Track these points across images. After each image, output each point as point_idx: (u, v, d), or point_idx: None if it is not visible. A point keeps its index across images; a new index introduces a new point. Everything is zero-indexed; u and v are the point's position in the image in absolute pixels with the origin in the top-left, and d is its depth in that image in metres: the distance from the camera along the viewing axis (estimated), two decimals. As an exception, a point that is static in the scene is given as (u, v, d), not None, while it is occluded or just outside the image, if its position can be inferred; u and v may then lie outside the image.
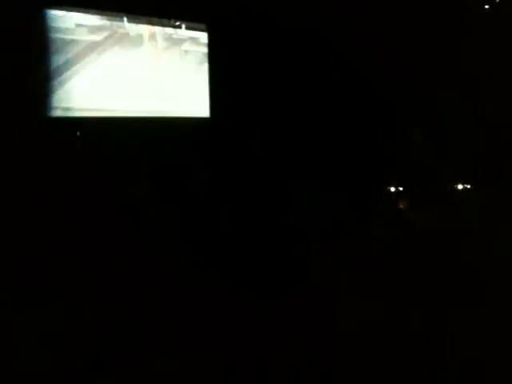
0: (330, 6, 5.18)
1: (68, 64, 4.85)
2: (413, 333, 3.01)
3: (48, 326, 2.89)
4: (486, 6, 4.20)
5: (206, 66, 5.78)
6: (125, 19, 5.23)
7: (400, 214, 4.36)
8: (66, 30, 4.83)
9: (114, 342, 2.91)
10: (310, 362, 2.82)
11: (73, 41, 4.87)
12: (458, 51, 4.46)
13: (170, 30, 5.54)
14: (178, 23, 5.61)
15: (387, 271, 3.63)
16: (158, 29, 5.45)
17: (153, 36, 5.43)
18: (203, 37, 5.76)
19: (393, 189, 4.92)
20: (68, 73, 4.86)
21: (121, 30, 5.19)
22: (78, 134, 4.82)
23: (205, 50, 5.77)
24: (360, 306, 3.25)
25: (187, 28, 5.68)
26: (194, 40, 5.72)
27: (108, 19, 5.11)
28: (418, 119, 4.82)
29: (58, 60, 4.79)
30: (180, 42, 5.62)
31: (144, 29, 5.36)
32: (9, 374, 2.54)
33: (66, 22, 4.83)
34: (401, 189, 4.81)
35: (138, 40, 5.33)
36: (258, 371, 2.80)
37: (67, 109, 4.85)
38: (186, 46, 5.67)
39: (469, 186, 4.67)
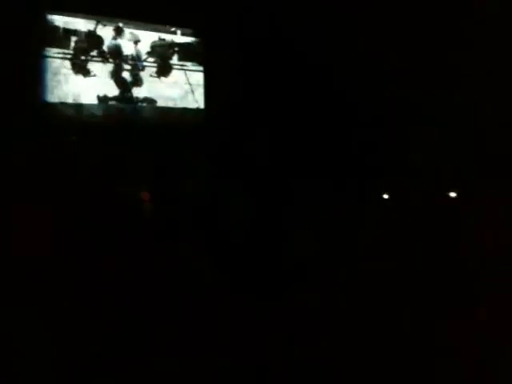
0: (329, 6, 5.23)
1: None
2: (412, 332, 3.02)
3: (48, 326, 2.88)
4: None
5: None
6: (121, 24, 5.27)
7: (395, 217, 4.37)
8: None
9: (114, 342, 2.89)
10: (309, 362, 2.82)
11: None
12: (457, 53, 4.52)
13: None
14: (173, 29, 5.64)
15: (386, 271, 3.64)
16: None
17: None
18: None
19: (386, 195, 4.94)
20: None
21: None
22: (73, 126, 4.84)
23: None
24: (360, 306, 3.26)
25: (183, 34, 5.71)
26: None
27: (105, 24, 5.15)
28: (415, 122, 4.86)
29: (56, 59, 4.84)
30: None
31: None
32: (9, 374, 2.52)
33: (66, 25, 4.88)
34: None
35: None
36: (258, 371, 2.80)
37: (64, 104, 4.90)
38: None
39: (463, 194, 4.70)
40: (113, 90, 5.25)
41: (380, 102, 5.04)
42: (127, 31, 5.33)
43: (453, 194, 4.59)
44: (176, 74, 5.72)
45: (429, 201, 4.34)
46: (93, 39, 5.10)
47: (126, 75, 5.35)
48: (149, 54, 5.50)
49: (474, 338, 2.88)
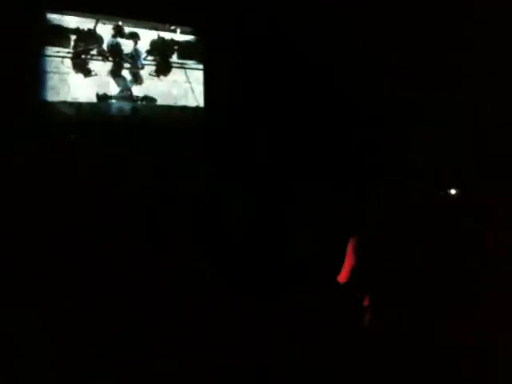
0: (328, 7, 5.23)
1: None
2: (412, 332, 3.02)
3: (48, 326, 2.87)
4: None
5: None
6: (120, 22, 5.26)
7: (395, 217, 4.36)
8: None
9: (114, 342, 2.89)
10: (309, 362, 2.82)
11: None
12: (457, 53, 4.52)
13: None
14: (173, 27, 5.63)
15: (386, 271, 3.63)
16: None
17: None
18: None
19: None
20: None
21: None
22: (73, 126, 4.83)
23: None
24: (360, 306, 3.25)
25: (182, 32, 5.71)
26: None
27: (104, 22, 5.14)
28: (414, 121, 4.86)
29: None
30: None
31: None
32: (9, 374, 2.52)
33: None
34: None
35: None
36: (258, 371, 2.80)
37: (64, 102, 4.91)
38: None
39: (462, 191, 4.70)
40: (113, 89, 5.25)
41: (380, 102, 5.05)
42: (127, 30, 5.32)
43: (453, 194, 4.59)
44: (176, 73, 5.71)
45: (429, 201, 4.33)
46: (92, 38, 5.10)
47: (125, 74, 5.35)
48: (149, 52, 5.50)
49: (474, 339, 2.88)
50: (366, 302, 3.09)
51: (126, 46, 5.35)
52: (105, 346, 2.85)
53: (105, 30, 5.19)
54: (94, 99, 5.13)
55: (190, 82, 5.80)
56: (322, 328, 3.11)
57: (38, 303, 3.02)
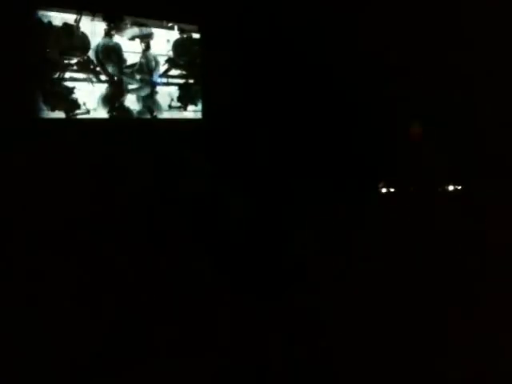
0: (328, 7, 5.23)
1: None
2: (412, 332, 3.02)
3: (49, 326, 2.87)
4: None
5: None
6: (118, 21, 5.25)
7: (395, 217, 4.38)
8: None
9: (114, 342, 2.89)
10: (309, 362, 2.82)
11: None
12: (457, 52, 4.53)
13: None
14: (170, 25, 5.62)
15: (384, 271, 3.64)
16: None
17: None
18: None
19: (384, 189, 4.93)
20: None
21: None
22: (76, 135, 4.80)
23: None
24: (360, 305, 3.26)
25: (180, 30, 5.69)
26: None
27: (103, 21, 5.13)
28: (414, 119, 4.85)
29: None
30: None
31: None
32: (9, 374, 2.52)
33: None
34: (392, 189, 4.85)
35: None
36: (258, 371, 2.79)
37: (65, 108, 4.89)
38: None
39: (459, 187, 4.70)
40: (111, 88, 5.24)
41: (380, 102, 5.05)
42: (125, 28, 5.31)
43: (452, 194, 4.60)
44: (174, 71, 5.71)
45: (429, 201, 4.34)
46: (91, 37, 5.08)
47: (124, 72, 5.34)
48: (146, 51, 5.49)
49: (474, 338, 2.88)
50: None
51: (124, 44, 5.33)
52: (105, 346, 2.84)
53: (103, 29, 5.17)
54: (92, 98, 5.11)
55: (188, 81, 5.80)
56: (322, 328, 3.11)
57: (38, 303, 3.02)
